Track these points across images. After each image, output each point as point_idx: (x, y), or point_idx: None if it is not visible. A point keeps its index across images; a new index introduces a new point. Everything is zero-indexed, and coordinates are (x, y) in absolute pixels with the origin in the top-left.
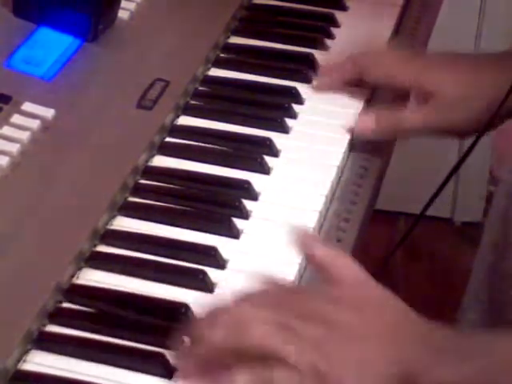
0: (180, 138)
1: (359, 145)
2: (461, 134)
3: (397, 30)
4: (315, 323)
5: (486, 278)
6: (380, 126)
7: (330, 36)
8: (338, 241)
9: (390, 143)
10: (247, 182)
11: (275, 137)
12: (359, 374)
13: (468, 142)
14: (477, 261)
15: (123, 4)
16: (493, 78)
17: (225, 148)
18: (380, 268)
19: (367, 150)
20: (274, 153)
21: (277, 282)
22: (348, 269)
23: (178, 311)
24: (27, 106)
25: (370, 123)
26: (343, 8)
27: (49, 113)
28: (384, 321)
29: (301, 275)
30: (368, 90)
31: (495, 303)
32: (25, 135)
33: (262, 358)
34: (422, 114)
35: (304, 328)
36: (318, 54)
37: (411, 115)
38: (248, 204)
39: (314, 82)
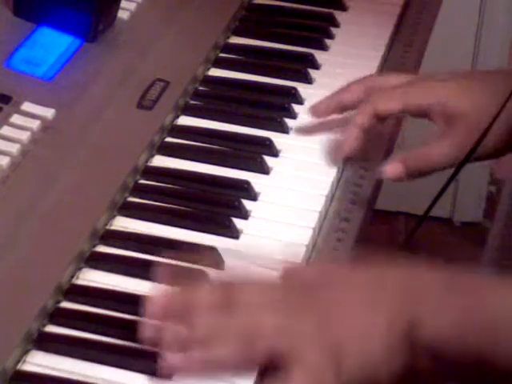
0: (180, 138)
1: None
2: (496, 155)
3: (397, 30)
4: (309, 310)
5: None
6: (410, 170)
7: (330, 36)
8: (338, 241)
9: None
10: (247, 182)
11: (275, 137)
12: (366, 337)
13: None
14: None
15: (123, 4)
16: None
17: (224, 148)
18: None
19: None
20: (274, 153)
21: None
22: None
23: None
24: (27, 106)
25: (398, 169)
26: (343, 8)
27: (49, 113)
28: (371, 281)
29: None
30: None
31: None
32: (25, 135)
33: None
34: (451, 143)
35: (300, 320)
36: (317, 54)
37: (439, 150)
38: (248, 204)
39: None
